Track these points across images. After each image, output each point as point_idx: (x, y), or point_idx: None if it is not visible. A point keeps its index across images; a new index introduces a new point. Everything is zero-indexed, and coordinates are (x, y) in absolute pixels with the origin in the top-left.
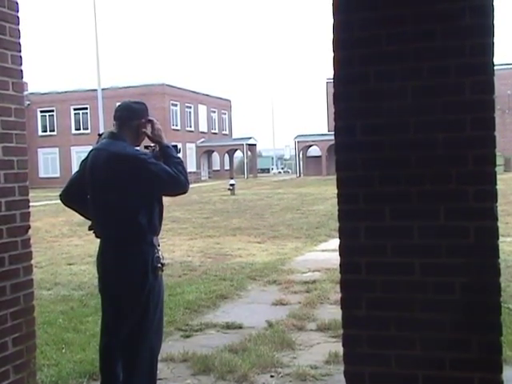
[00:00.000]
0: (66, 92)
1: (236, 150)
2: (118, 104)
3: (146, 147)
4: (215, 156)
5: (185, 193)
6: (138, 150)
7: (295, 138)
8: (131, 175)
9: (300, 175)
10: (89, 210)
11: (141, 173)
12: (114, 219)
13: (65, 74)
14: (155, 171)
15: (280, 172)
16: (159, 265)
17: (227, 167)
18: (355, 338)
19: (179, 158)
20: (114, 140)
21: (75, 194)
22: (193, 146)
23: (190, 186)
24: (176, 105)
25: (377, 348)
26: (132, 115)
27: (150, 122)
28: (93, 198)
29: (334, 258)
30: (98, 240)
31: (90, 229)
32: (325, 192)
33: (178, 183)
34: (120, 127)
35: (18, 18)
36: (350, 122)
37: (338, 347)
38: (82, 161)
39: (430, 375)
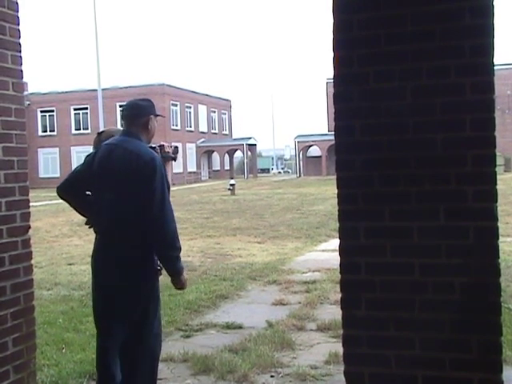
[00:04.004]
0: (66, 92)
1: (236, 150)
2: (119, 104)
3: (150, 147)
4: (215, 156)
5: (162, 237)
6: (157, 156)
7: (295, 138)
8: (142, 176)
9: (300, 175)
10: (87, 206)
11: (150, 176)
12: (119, 218)
13: (65, 74)
14: (158, 187)
15: (280, 172)
16: (159, 267)
17: (227, 167)
18: (355, 338)
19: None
20: (129, 137)
21: (74, 188)
22: (193, 146)
23: (190, 186)
24: (176, 105)
25: (376, 348)
26: (139, 112)
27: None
28: (99, 193)
29: (334, 258)
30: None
31: (86, 223)
32: (325, 192)
33: (164, 220)
34: (129, 126)
35: (17, 17)
36: (349, 122)
37: (338, 347)
38: (88, 155)
39: (429, 375)
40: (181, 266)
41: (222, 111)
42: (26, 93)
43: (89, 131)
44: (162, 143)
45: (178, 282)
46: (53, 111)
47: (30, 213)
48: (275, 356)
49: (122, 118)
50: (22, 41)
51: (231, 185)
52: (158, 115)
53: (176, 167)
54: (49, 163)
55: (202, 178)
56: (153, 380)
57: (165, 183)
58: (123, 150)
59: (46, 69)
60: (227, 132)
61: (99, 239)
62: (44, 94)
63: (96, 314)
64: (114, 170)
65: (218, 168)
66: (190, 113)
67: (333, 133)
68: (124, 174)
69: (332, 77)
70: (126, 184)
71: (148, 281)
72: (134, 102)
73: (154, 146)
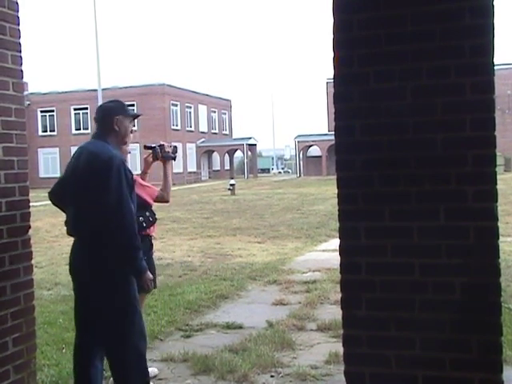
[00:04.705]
0: (66, 92)
1: (236, 150)
2: None
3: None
4: (215, 156)
5: (120, 235)
6: (117, 155)
7: (295, 137)
8: (99, 175)
9: (300, 175)
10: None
11: (106, 175)
12: (87, 219)
13: (65, 74)
14: (114, 185)
15: (280, 172)
16: None
17: (227, 167)
18: (355, 338)
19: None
20: (96, 139)
21: (60, 193)
22: (193, 145)
23: (190, 186)
24: (176, 105)
25: (377, 348)
26: (105, 115)
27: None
28: (70, 196)
29: (334, 258)
30: None
31: (65, 224)
32: (325, 192)
33: (121, 219)
34: (97, 128)
35: (18, 17)
36: (349, 122)
37: (338, 347)
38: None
39: (429, 375)
40: (142, 265)
41: (222, 111)
42: (26, 93)
43: (89, 131)
44: (161, 143)
45: (143, 284)
46: (53, 111)
47: (30, 213)
48: (275, 356)
49: (94, 121)
50: (22, 41)
51: (231, 185)
52: (131, 115)
53: (176, 167)
54: (49, 163)
55: (202, 178)
56: (143, 377)
57: (123, 182)
58: (88, 153)
59: (46, 69)
60: (227, 132)
61: (73, 241)
62: (44, 93)
63: (74, 313)
64: (79, 173)
65: (218, 168)
66: (190, 113)
67: (333, 133)
68: (85, 175)
69: (332, 77)
70: (88, 185)
71: (118, 280)
72: (101, 105)
73: (153, 145)
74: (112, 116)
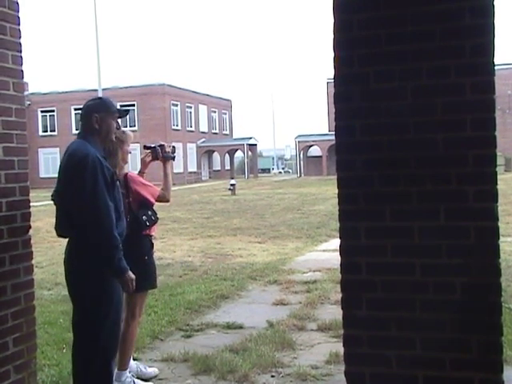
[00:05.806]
0: (66, 92)
1: (236, 150)
2: (120, 104)
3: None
4: (216, 156)
5: (95, 234)
6: (93, 152)
7: (296, 137)
8: (74, 172)
9: (301, 175)
10: None
11: (81, 173)
12: (63, 219)
13: (65, 74)
14: (89, 183)
15: (281, 172)
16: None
17: (228, 167)
18: (356, 338)
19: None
20: (78, 138)
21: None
22: (193, 145)
23: (191, 186)
24: (176, 105)
25: (377, 348)
26: (84, 113)
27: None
28: (57, 195)
29: (335, 258)
30: None
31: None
32: (325, 192)
33: (96, 216)
34: (81, 127)
35: (18, 17)
36: (349, 122)
37: (338, 347)
38: None
39: (430, 375)
40: (121, 265)
41: (223, 111)
42: (26, 93)
43: None
44: (161, 143)
45: (123, 285)
46: (53, 111)
47: (30, 213)
48: (276, 356)
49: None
50: (22, 41)
51: (232, 185)
52: (115, 112)
53: (176, 167)
54: (49, 163)
55: (203, 178)
56: (105, 380)
57: (99, 179)
58: (69, 152)
59: (46, 69)
60: (228, 132)
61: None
62: (44, 94)
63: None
64: (60, 172)
65: (219, 168)
66: (190, 113)
67: (333, 133)
68: (64, 174)
69: (332, 77)
70: (67, 184)
71: (91, 281)
72: (84, 104)
73: (153, 145)
74: (91, 114)
